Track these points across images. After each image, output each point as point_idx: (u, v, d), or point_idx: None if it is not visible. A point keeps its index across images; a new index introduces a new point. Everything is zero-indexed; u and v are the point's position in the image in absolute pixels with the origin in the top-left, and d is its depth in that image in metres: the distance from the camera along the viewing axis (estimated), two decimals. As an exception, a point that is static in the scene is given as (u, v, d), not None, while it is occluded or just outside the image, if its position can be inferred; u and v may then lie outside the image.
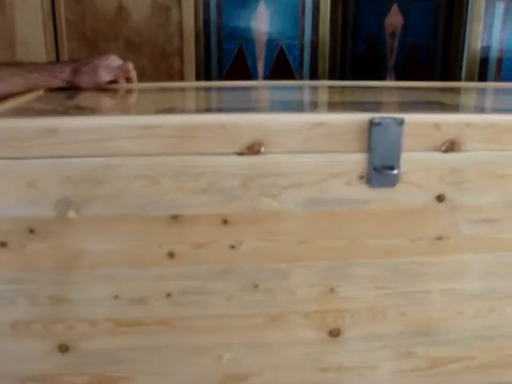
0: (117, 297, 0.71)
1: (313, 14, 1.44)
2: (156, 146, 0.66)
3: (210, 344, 0.74)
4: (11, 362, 0.73)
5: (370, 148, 0.69)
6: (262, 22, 1.47)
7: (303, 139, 0.68)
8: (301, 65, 1.46)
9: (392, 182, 0.70)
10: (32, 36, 1.31)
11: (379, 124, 0.68)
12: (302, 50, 1.43)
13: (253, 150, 0.68)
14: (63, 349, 0.73)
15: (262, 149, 0.68)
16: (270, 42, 1.43)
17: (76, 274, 0.70)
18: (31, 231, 0.68)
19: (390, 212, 0.72)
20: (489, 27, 1.44)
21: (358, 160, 0.69)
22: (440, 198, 0.72)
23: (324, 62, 1.48)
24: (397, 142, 0.69)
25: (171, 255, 0.70)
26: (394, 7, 1.43)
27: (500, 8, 1.45)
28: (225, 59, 1.47)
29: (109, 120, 0.67)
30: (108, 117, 0.69)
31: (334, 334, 0.76)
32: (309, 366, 0.77)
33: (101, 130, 0.66)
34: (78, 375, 0.75)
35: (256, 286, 0.72)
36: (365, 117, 0.69)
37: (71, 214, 0.68)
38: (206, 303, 0.73)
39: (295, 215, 0.70)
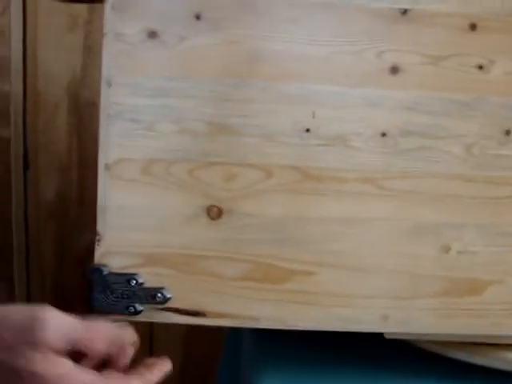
0: (308, 130, 0.48)
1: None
2: None
3: (434, 223, 0.49)
4: (133, 226, 0.48)
5: None
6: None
7: None
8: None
9: None
10: None
11: None
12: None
13: None
14: (214, 213, 0.48)
15: None
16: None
17: (254, 88, 0.48)
18: (198, 17, 0.47)
19: None
20: None
21: None
22: None
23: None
24: None
25: (394, 70, 0.48)
26: None
27: None
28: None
29: None
30: None
31: None
32: None
33: None
34: (232, 261, 0.48)
35: (509, 133, 0.49)
36: None
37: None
38: (433, 153, 0.49)
39: None
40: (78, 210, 1.06)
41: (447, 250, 0.49)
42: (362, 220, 0.48)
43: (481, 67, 0.48)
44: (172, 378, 0.43)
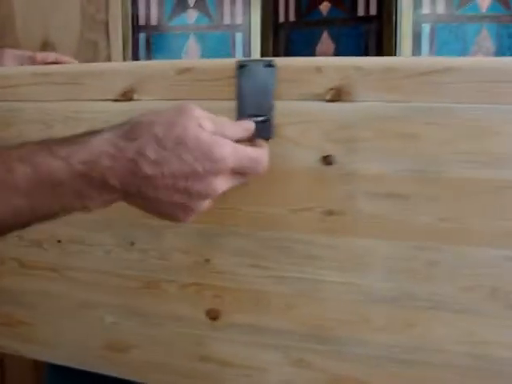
0: (21, 237, 0.75)
1: (243, 49, 1.46)
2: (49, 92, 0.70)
3: (93, 301, 0.72)
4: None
5: (238, 95, 0.61)
6: (193, 58, 1.47)
7: (171, 86, 0.64)
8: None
9: (266, 134, 0.60)
10: None
11: (245, 66, 0.60)
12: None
13: (126, 96, 0.66)
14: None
15: (135, 95, 0.66)
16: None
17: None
18: None
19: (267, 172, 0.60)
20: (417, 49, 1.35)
21: (226, 108, 0.62)
22: (327, 161, 0.59)
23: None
24: (267, 87, 0.60)
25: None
26: (325, 35, 1.40)
27: (426, 30, 1.37)
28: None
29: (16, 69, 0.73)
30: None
31: (213, 315, 0.66)
32: (188, 348, 0.68)
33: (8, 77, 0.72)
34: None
35: (132, 244, 0.68)
36: (232, 61, 0.61)
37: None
38: (88, 255, 0.71)
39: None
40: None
41: (103, 319, 0.71)
42: (54, 294, 0.74)
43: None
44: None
